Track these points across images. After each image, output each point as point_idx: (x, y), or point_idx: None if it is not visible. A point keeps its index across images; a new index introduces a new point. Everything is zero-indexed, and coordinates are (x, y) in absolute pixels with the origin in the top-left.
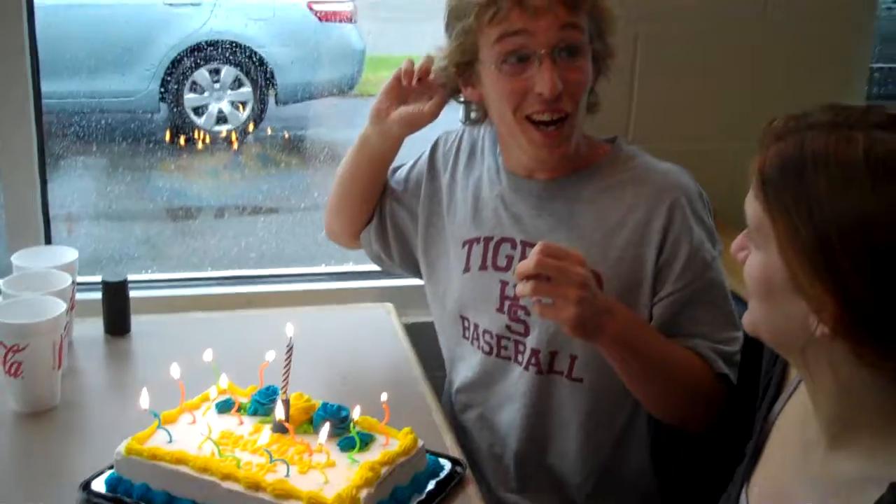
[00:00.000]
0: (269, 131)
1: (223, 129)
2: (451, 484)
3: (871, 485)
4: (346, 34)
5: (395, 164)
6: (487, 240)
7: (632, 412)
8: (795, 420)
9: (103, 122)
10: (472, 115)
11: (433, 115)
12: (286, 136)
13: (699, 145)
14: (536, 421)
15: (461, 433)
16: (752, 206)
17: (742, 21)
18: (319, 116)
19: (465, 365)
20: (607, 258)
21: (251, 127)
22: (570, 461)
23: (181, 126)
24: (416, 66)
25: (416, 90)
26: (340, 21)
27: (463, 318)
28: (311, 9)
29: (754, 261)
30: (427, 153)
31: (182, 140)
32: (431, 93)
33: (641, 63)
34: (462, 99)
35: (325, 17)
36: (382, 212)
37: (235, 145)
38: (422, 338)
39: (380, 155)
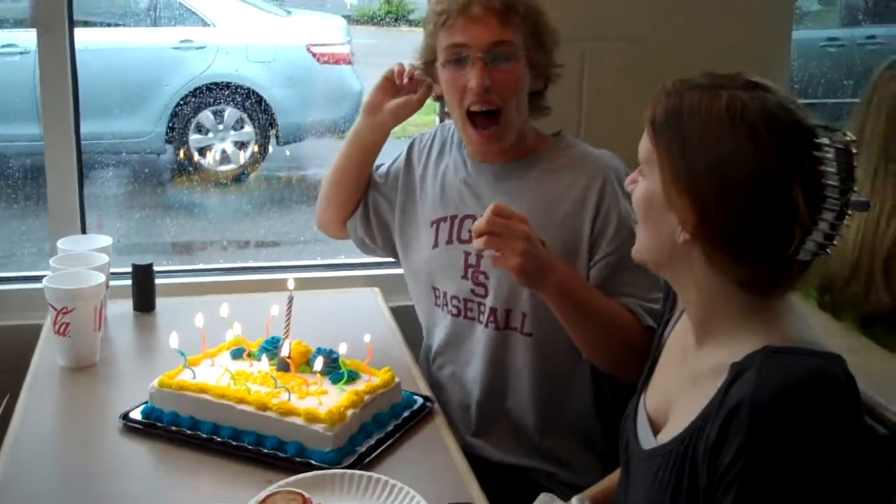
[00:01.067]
0: (270, 170)
1: (226, 169)
2: (422, 413)
3: (723, 368)
4: (344, 76)
5: (377, 162)
6: (453, 217)
7: (576, 363)
8: (679, 335)
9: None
10: (446, 108)
11: (420, 103)
12: (287, 174)
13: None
14: (495, 372)
15: (438, 390)
16: (644, 144)
17: (663, 41)
18: (318, 156)
19: (438, 329)
20: (551, 227)
21: (253, 166)
22: (524, 406)
23: (186, 165)
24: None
25: (404, 88)
26: (338, 63)
27: (434, 289)
28: (310, 52)
29: (641, 186)
30: (405, 151)
31: (187, 179)
32: (415, 88)
33: (588, 76)
34: (435, 95)
35: (324, 60)
36: (366, 202)
37: (238, 184)
38: (404, 318)
39: (370, 145)
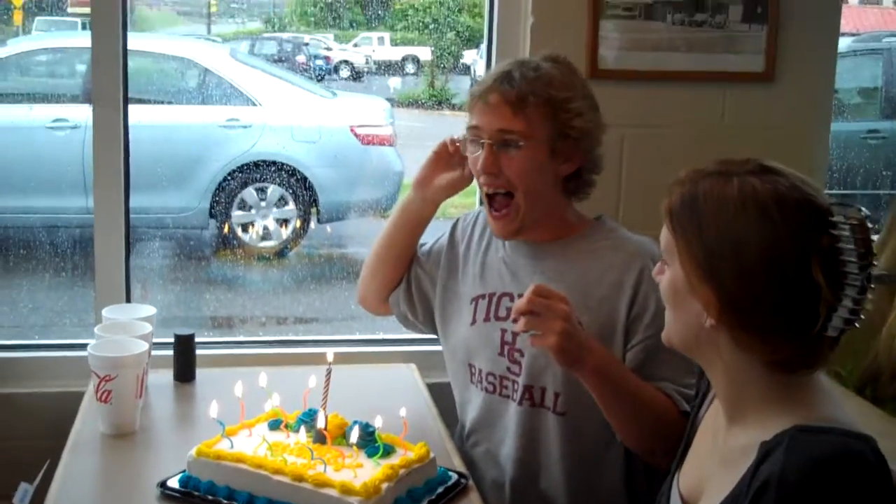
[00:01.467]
0: (311, 247)
1: (267, 245)
2: (457, 489)
3: (753, 448)
4: (386, 157)
5: (421, 241)
6: (491, 295)
7: (608, 444)
8: (712, 416)
9: (157, 234)
10: None
11: (470, 178)
12: (327, 252)
13: None
14: (528, 450)
15: (471, 468)
16: (664, 234)
17: (704, 127)
18: (359, 234)
19: (472, 406)
20: (588, 308)
21: (294, 243)
22: (556, 486)
23: (228, 240)
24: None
25: (452, 162)
26: (381, 144)
27: (470, 366)
28: (354, 132)
29: (666, 276)
30: (448, 230)
31: (228, 254)
32: (462, 164)
33: (627, 159)
34: None
35: (367, 141)
36: (409, 278)
37: (279, 261)
38: (441, 395)
39: (418, 219)
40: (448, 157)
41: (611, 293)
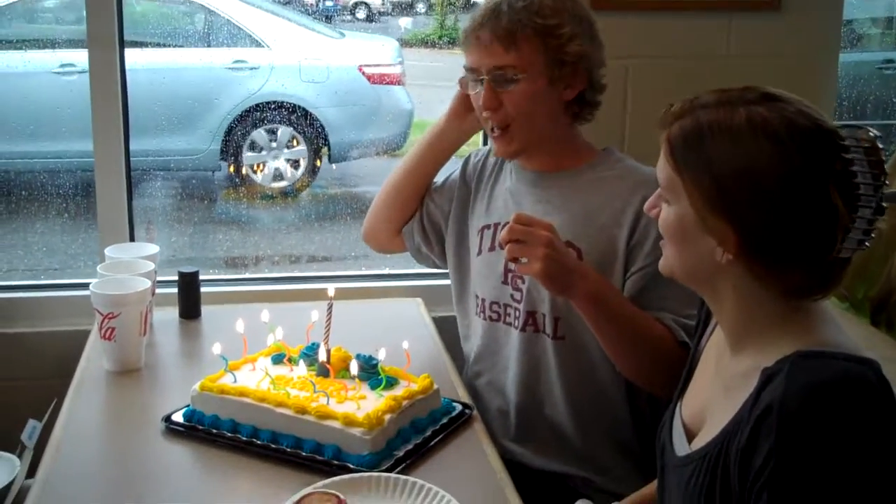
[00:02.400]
0: (321, 187)
1: (279, 185)
2: (461, 420)
3: (755, 374)
4: (395, 96)
5: None
6: (496, 225)
7: (609, 371)
8: (714, 344)
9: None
10: None
11: None
12: (337, 191)
13: None
14: (530, 376)
15: (476, 399)
16: (664, 171)
17: (709, 58)
18: (369, 174)
19: (475, 337)
20: (587, 235)
21: (305, 183)
22: (562, 412)
23: (240, 182)
24: None
25: None
26: (390, 84)
27: (476, 296)
28: (362, 72)
29: (669, 213)
30: (460, 166)
31: (240, 195)
32: None
33: (631, 91)
34: None
35: (375, 80)
36: (423, 210)
37: (290, 200)
38: (446, 328)
39: (450, 147)
40: None
41: (612, 221)
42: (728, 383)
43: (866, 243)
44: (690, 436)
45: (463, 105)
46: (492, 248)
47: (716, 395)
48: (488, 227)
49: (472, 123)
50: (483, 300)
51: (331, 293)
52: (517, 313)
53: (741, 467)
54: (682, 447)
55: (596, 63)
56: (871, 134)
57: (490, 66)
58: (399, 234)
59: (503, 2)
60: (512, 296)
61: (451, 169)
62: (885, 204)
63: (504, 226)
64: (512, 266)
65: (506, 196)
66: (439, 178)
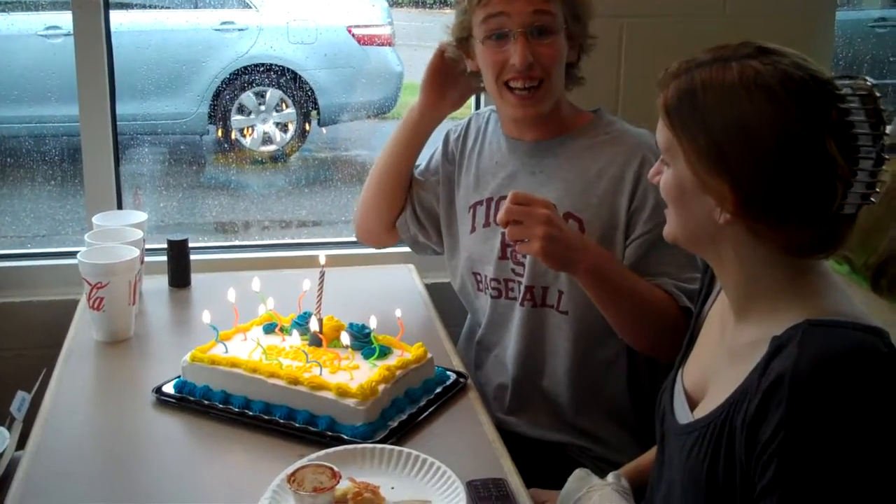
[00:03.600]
0: (311, 151)
1: (268, 149)
2: (455, 389)
3: (763, 342)
4: (385, 57)
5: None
6: (489, 200)
7: (611, 341)
8: (718, 310)
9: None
10: (480, 84)
11: (478, 83)
12: (327, 155)
13: None
14: (532, 350)
15: (482, 374)
16: (662, 133)
17: (706, 17)
18: (359, 137)
19: (482, 314)
20: (588, 205)
21: (294, 147)
22: (560, 384)
23: (229, 146)
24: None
25: (455, 70)
26: (380, 45)
27: (475, 274)
28: (351, 33)
29: (667, 175)
30: (440, 144)
31: (229, 160)
32: (462, 70)
33: (626, 50)
34: (469, 70)
35: (364, 41)
36: (412, 201)
37: (279, 165)
38: (440, 295)
39: (426, 134)
40: (446, 66)
41: (611, 188)
42: (734, 351)
43: (871, 198)
44: (693, 403)
45: (436, 91)
46: (486, 224)
47: (720, 362)
48: (480, 202)
49: (448, 105)
50: (485, 277)
51: (322, 261)
52: (520, 288)
53: (748, 437)
54: (684, 415)
55: (591, 17)
56: (868, 83)
57: (527, 12)
58: (393, 228)
59: None
60: (513, 270)
61: (430, 148)
62: (885, 155)
63: (499, 201)
64: (511, 242)
65: (496, 170)
66: (422, 164)
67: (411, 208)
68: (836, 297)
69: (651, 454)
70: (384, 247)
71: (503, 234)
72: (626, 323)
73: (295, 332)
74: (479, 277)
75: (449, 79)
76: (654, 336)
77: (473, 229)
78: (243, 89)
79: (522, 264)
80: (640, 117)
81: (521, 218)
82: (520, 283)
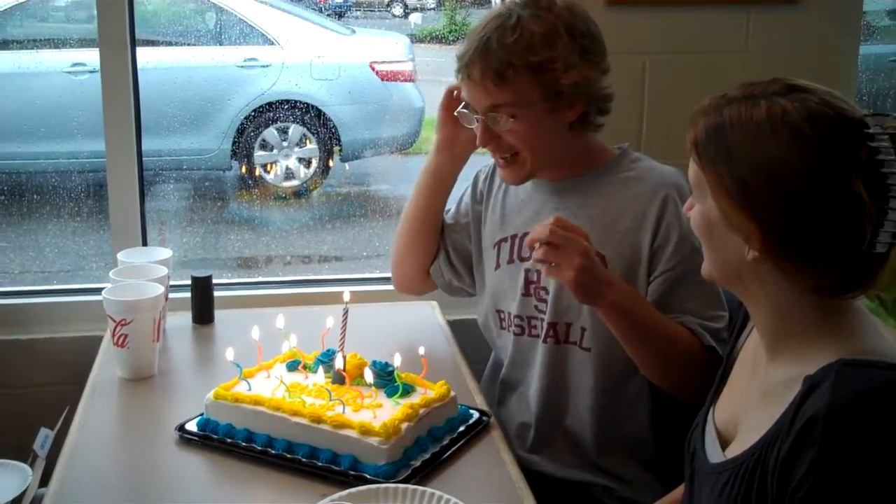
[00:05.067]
0: (333, 186)
1: (291, 185)
2: (478, 427)
3: (796, 382)
4: (406, 93)
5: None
6: (513, 237)
7: (634, 379)
8: (751, 348)
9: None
10: None
11: None
12: (349, 190)
13: None
14: (554, 387)
15: (506, 413)
16: (692, 169)
17: (728, 53)
18: (381, 172)
19: (506, 352)
20: (611, 242)
21: (316, 182)
22: (583, 422)
23: (250, 182)
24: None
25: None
26: (401, 81)
27: (498, 312)
28: (373, 69)
29: (696, 212)
30: (470, 186)
31: (253, 196)
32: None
33: (649, 87)
34: None
35: (387, 77)
36: (445, 244)
37: (302, 200)
38: (463, 332)
39: (450, 178)
40: (457, 105)
41: (634, 225)
42: (767, 390)
43: None
44: (724, 442)
45: (449, 134)
46: (510, 261)
47: (752, 401)
48: (505, 239)
49: (463, 149)
50: (508, 314)
51: (346, 297)
52: (542, 325)
53: (780, 477)
54: (715, 454)
55: (596, 84)
56: None
57: (484, 106)
58: (428, 275)
59: (492, 37)
60: (536, 307)
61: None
62: None
63: (523, 237)
64: (533, 273)
65: (520, 207)
66: (452, 208)
67: (444, 254)
68: (870, 335)
69: (675, 494)
70: (422, 293)
71: (526, 270)
72: (649, 360)
73: (321, 370)
74: (502, 315)
75: (457, 121)
76: (677, 374)
77: (498, 266)
78: (266, 125)
79: (545, 301)
80: (663, 153)
81: (561, 242)
82: (542, 319)
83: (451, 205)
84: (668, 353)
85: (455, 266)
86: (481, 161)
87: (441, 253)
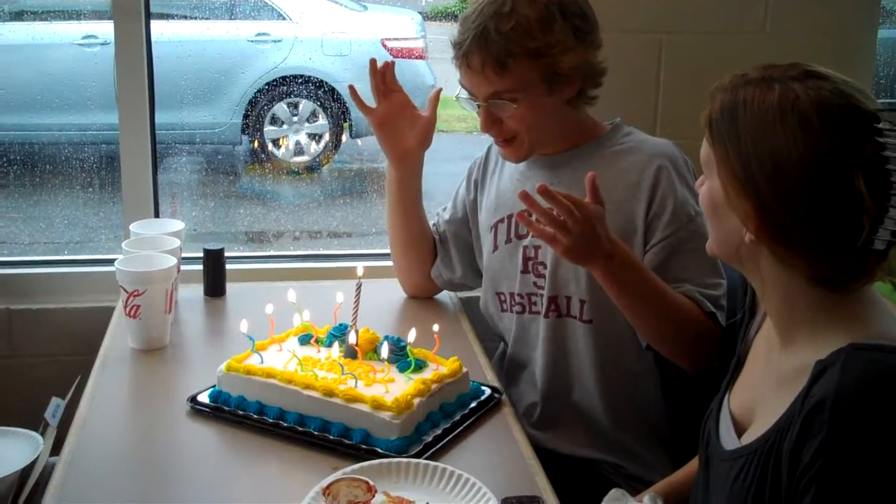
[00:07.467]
0: (343, 162)
1: (300, 160)
2: (490, 404)
3: (807, 369)
4: (418, 70)
5: (441, 206)
6: (509, 217)
7: (639, 352)
8: (765, 335)
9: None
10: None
11: (432, 118)
12: (359, 166)
13: None
14: (558, 362)
15: (515, 392)
16: (704, 146)
17: (746, 34)
18: None
19: (508, 334)
20: (606, 213)
21: (326, 158)
22: (591, 397)
23: (261, 157)
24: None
25: (403, 119)
26: (413, 58)
27: (498, 294)
28: (384, 46)
29: (704, 187)
30: (463, 179)
31: (264, 170)
32: (410, 111)
33: (665, 67)
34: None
35: (398, 54)
36: (444, 245)
37: (313, 175)
38: (475, 309)
39: (416, 182)
40: (387, 113)
41: (628, 195)
42: (780, 377)
43: None
44: (739, 429)
45: (394, 142)
46: (508, 240)
47: (767, 388)
48: (501, 220)
49: (416, 154)
50: (509, 294)
51: (360, 272)
52: (542, 300)
53: (790, 461)
54: (730, 441)
55: (592, 60)
56: None
57: (486, 94)
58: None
59: (489, 25)
60: (535, 283)
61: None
62: None
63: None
64: (531, 250)
65: (515, 185)
66: (448, 204)
67: (442, 252)
68: (884, 320)
69: (684, 472)
70: (435, 294)
71: (524, 248)
72: (650, 326)
73: (336, 345)
74: (502, 297)
75: (399, 121)
76: (679, 341)
77: (496, 248)
78: (277, 100)
79: (543, 276)
80: (679, 133)
81: (565, 213)
82: (542, 295)
83: (447, 202)
84: (669, 318)
85: (452, 263)
86: (475, 147)
87: (439, 255)
